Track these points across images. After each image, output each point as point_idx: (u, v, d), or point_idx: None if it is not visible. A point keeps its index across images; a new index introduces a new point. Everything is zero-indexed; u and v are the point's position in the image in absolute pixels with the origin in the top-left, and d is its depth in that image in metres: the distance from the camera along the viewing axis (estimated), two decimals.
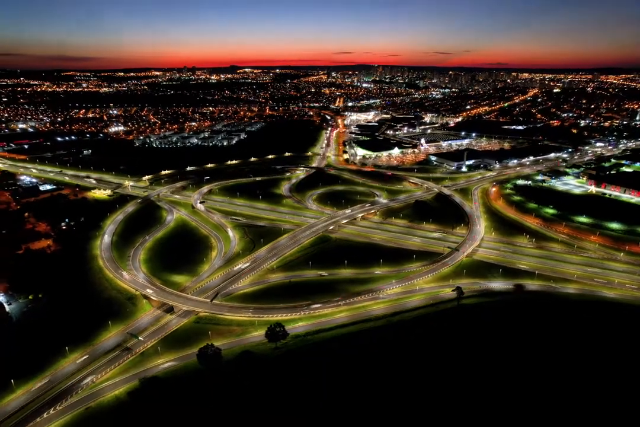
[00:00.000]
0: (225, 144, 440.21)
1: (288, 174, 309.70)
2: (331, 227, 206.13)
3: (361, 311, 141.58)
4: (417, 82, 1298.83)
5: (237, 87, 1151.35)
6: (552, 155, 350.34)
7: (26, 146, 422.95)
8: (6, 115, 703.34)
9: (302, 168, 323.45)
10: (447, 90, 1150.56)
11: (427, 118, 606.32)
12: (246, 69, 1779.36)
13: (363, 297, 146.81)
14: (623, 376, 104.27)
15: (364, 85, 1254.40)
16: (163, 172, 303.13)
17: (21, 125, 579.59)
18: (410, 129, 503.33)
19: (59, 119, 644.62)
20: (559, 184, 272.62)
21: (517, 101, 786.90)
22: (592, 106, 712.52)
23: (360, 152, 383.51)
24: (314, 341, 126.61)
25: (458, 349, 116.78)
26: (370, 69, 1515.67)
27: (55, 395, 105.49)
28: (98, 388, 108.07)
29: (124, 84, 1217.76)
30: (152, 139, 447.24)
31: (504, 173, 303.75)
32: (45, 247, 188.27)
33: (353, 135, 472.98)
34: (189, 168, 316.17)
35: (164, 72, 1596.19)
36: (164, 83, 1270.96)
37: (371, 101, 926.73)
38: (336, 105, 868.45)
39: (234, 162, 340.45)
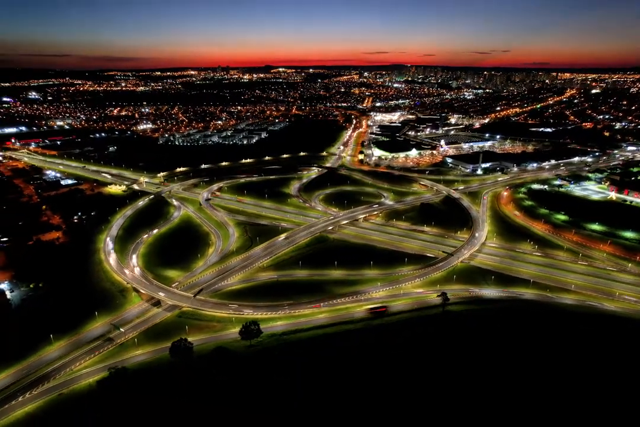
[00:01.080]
0: (245, 142, 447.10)
1: (300, 173, 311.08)
2: (330, 228, 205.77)
3: (342, 312, 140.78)
4: (450, 82, 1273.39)
5: (267, 87, 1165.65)
6: (576, 159, 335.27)
7: (59, 142, 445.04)
8: (48, 113, 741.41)
9: (314, 168, 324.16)
10: (480, 91, 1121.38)
11: (453, 119, 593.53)
12: (280, 69, 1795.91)
13: (346, 299, 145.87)
14: (613, 390, 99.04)
15: (395, 85, 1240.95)
16: (178, 170, 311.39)
17: (59, 123, 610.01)
18: (433, 130, 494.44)
19: (94, 117, 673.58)
20: (577, 190, 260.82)
21: (550, 102, 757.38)
22: (633, 108, 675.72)
23: (377, 152, 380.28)
24: (290, 340, 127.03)
25: (435, 356, 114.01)
26: (403, 69, 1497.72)
27: (34, 380, 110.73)
28: (74, 376, 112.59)
29: (160, 83, 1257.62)
30: (176, 137, 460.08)
31: (520, 177, 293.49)
32: (54, 239, 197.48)
33: (373, 136, 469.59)
34: (203, 166, 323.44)
35: (199, 71, 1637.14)
36: (198, 82, 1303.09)
37: (400, 101, 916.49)
38: (364, 105, 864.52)
39: (248, 160, 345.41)
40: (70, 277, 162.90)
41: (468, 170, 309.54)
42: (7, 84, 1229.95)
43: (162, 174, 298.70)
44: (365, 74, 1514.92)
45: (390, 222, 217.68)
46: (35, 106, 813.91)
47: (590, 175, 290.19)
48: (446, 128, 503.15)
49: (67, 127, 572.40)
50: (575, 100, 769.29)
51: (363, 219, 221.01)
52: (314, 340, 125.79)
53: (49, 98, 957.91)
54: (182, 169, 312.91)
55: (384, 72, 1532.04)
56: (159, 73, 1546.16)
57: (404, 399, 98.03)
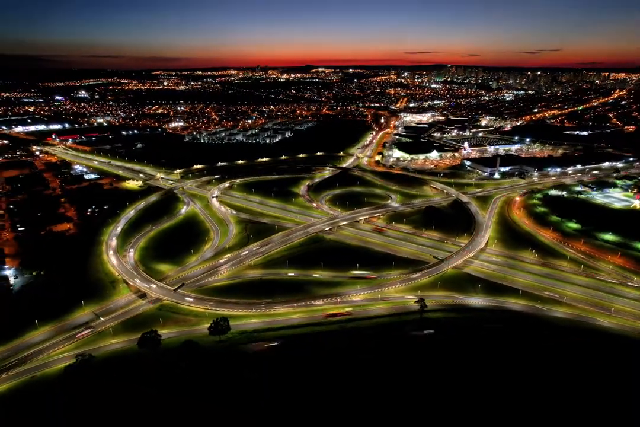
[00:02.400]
0: (268, 141, 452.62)
1: (313, 173, 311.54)
2: (327, 229, 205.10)
3: (317, 313, 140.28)
4: (490, 83, 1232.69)
5: (303, 87, 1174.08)
6: (606, 164, 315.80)
7: (93, 138, 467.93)
8: (92, 110, 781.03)
9: (328, 168, 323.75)
10: (521, 92, 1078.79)
11: (485, 121, 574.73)
12: (319, 69, 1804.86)
13: (323, 301, 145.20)
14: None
15: (433, 85, 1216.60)
16: (194, 167, 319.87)
17: (99, 120, 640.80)
18: (461, 132, 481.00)
19: (131, 114, 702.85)
20: (599, 197, 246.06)
21: (594, 104, 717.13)
22: None
23: (397, 154, 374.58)
24: (259, 338, 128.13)
25: (405, 362, 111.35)
26: (442, 69, 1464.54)
27: (13, 362, 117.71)
28: (49, 360, 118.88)
29: (200, 82, 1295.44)
30: (202, 135, 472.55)
31: (539, 182, 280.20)
32: (65, 230, 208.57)
33: (397, 137, 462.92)
34: (219, 164, 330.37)
35: (239, 71, 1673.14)
36: (236, 82, 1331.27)
37: (435, 102, 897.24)
38: (397, 105, 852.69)
39: (264, 159, 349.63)
40: (70, 267, 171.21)
41: (485, 173, 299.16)
42: (61, 84, 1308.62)
43: (178, 170, 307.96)
44: (405, 74, 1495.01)
45: (392, 225, 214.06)
46: (83, 104, 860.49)
47: (617, 181, 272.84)
48: (474, 130, 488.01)
49: (105, 124, 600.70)
50: (623, 102, 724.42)
51: (364, 220, 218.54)
52: (282, 339, 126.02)
53: (96, 97, 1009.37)
54: (198, 166, 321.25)
55: (423, 73, 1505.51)
56: (200, 72, 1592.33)
57: (366, 403, 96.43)
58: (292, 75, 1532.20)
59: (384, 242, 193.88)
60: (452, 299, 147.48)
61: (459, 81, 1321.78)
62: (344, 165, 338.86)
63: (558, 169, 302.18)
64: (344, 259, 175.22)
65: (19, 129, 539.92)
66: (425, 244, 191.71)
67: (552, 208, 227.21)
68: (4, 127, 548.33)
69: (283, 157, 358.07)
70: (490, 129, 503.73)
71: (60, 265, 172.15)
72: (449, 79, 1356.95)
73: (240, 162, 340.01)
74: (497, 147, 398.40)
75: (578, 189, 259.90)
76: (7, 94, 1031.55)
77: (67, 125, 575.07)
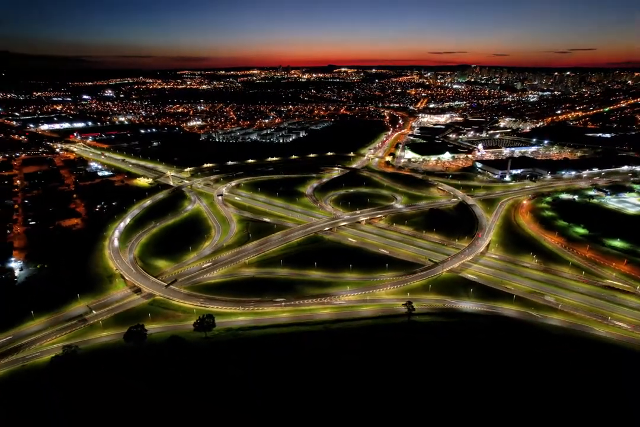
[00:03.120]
0: (281, 141, 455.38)
1: (322, 173, 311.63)
2: (327, 229, 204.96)
3: (305, 313, 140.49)
4: (514, 84, 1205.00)
5: (323, 87, 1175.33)
6: (625, 168, 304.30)
7: (113, 136, 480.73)
8: (115, 109, 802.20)
9: (337, 168, 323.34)
10: (547, 93, 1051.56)
11: (504, 122, 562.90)
12: (342, 69, 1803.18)
13: (312, 301, 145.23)
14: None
15: (455, 86, 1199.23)
16: (205, 165, 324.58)
17: (121, 118, 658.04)
18: (477, 134, 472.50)
19: (152, 113, 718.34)
20: (612, 202, 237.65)
21: (622, 105, 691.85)
22: None
23: (409, 155, 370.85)
24: (244, 336, 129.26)
25: (388, 364, 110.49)
26: (466, 70, 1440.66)
27: (7, 350, 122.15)
28: (40, 350, 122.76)
29: (222, 82, 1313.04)
30: (218, 133, 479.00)
31: (551, 185, 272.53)
32: (73, 225, 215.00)
33: (411, 138, 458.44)
34: (230, 162, 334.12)
35: (261, 70, 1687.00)
36: (258, 81, 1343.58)
37: (456, 103, 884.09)
38: (417, 106, 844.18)
39: (274, 159, 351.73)
40: (73, 261, 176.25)
41: (496, 176, 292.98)
42: (90, 83, 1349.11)
43: (188, 169, 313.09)
44: (428, 74, 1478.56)
45: (393, 226, 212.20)
46: (108, 103, 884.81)
47: (634, 186, 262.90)
48: (492, 131, 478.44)
49: (127, 122, 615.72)
50: None
51: (365, 221, 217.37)
52: (266, 338, 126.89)
53: (121, 96, 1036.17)
54: (208, 164, 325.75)
55: (447, 73, 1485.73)
56: (223, 72, 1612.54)
57: (344, 404, 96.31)
58: (314, 75, 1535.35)
59: (383, 244, 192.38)
60: (444, 302, 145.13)
61: (483, 82, 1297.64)
62: (354, 165, 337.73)
63: (573, 172, 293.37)
64: (339, 259, 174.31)
65: (45, 127, 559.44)
66: (425, 247, 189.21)
67: (561, 212, 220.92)
68: (31, 125, 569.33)
69: (293, 156, 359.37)
70: (508, 130, 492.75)
71: (64, 259, 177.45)
72: (472, 80, 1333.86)
73: (250, 161, 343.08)
74: (512, 149, 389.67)
75: (591, 193, 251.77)
76: (39, 94, 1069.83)
77: (90, 123, 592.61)
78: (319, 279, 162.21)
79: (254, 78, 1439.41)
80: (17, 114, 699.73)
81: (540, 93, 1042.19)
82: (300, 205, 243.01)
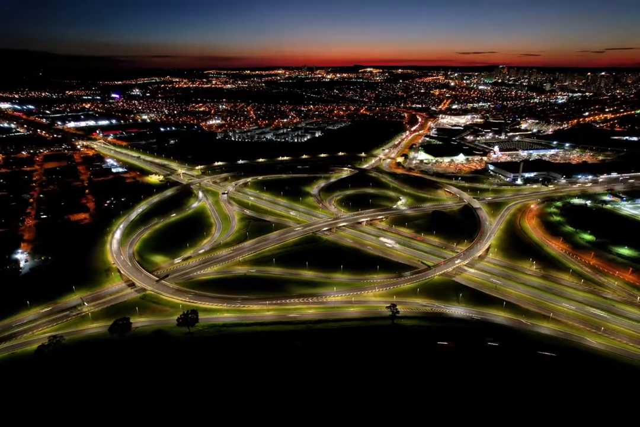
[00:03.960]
0: (295, 140, 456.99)
1: (330, 173, 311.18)
2: (325, 229, 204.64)
3: (290, 312, 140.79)
4: (543, 85, 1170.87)
5: (346, 87, 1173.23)
6: None
7: (133, 134, 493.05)
8: (140, 107, 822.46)
9: (346, 168, 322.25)
10: (577, 94, 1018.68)
11: (526, 124, 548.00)
12: (368, 69, 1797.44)
13: (298, 300, 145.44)
14: None
15: (481, 87, 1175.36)
16: (216, 163, 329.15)
17: (144, 116, 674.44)
18: (496, 136, 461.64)
19: (175, 111, 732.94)
20: (627, 207, 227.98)
21: None
22: None
23: (422, 156, 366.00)
24: (226, 332, 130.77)
25: (360, 366, 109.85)
26: (493, 70, 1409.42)
27: (1, 338, 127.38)
28: (31, 339, 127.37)
29: (246, 81, 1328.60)
30: (235, 132, 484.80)
31: (564, 189, 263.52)
32: (81, 220, 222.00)
33: (427, 139, 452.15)
34: (240, 161, 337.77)
35: (286, 70, 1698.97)
36: (282, 81, 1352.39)
37: (480, 104, 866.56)
38: (439, 107, 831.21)
39: (285, 158, 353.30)
40: (75, 254, 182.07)
41: (508, 179, 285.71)
42: (119, 82, 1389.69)
43: (199, 167, 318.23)
44: (455, 75, 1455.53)
45: (394, 228, 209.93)
46: (134, 102, 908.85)
47: None
48: (511, 133, 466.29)
49: (149, 120, 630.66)
50: None
51: (365, 222, 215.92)
52: (247, 335, 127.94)
53: (147, 94, 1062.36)
54: (219, 163, 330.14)
55: (474, 74, 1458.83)
56: (249, 71, 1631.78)
57: (313, 404, 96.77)
58: (338, 75, 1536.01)
59: (380, 245, 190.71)
60: (431, 307, 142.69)
61: (510, 83, 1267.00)
62: (364, 166, 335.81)
63: (590, 177, 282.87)
64: (334, 260, 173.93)
65: (72, 124, 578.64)
66: (423, 249, 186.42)
67: (570, 218, 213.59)
68: (59, 123, 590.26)
69: (304, 156, 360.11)
70: (529, 132, 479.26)
71: (68, 252, 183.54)
72: (499, 81, 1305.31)
73: (260, 160, 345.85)
74: (530, 152, 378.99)
75: (606, 198, 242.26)
76: (71, 92, 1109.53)
77: (114, 121, 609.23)
78: (310, 278, 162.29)
79: (278, 78, 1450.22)
80: (47, 111, 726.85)
81: (570, 94, 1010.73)
82: (303, 205, 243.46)
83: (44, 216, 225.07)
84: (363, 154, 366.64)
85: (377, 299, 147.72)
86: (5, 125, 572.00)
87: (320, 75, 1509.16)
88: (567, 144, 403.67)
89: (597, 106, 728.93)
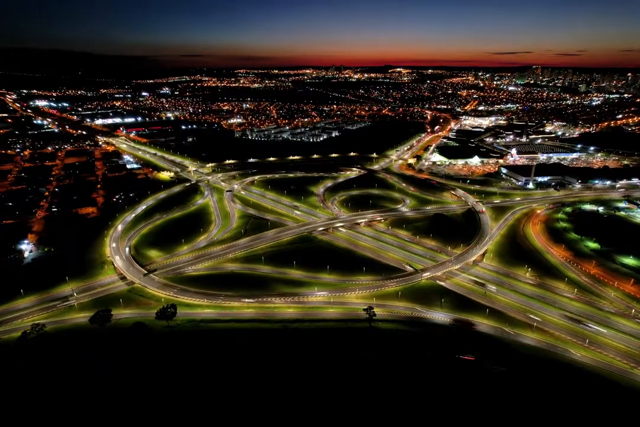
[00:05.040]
0: (311, 140, 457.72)
1: (339, 173, 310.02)
2: (321, 229, 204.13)
3: (270, 311, 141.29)
4: (579, 86, 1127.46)
5: (372, 87, 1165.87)
6: None
7: (155, 131, 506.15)
8: (167, 105, 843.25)
9: (355, 169, 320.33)
10: (615, 95, 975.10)
11: (552, 127, 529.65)
12: (398, 69, 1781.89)
13: (278, 299, 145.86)
14: None
15: (511, 88, 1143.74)
16: (227, 162, 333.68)
17: (168, 114, 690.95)
18: (517, 138, 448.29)
19: (199, 110, 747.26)
20: None
21: None
22: None
23: (435, 158, 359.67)
24: (204, 328, 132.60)
25: (330, 367, 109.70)
26: (526, 71, 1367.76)
27: None
28: (19, 326, 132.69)
29: (274, 81, 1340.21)
30: (253, 131, 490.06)
31: (577, 195, 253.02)
32: (88, 213, 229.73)
33: (445, 140, 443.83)
34: (251, 160, 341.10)
35: (315, 70, 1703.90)
36: (308, 80, 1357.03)
37: (508, 106, 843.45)
38: (464, 108, 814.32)
39: (295, 157, 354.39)
40: (76, 246, 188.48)
41: (520, 183, 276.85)
42: (151, 81, 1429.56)
43: (210, 164, 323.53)
44: (487, 75, 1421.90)
45: (392, 230, 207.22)
46: (162, 100, 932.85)
47: None
48: (533, 136, 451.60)
49: (172, 118, 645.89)
50: None
51: (364, 223, 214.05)
52: (223, 332, 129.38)
53: (176, 93, 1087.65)
54: (230, 161, 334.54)
55: (507, 74, 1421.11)
56: (277, 71, 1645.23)
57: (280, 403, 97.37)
58: (366, 75, 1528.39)
59: (374, 247, 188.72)
60: (412, 311, 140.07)
61: (543, 84, 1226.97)
62: (375, 167, 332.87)
63: (608, 182, 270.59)
64: (324, 260, 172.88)
65: (99, 121, 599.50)
66: (416, 253, 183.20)
67: (577, 224, 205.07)
68: (88, 120, 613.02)
69: (315, 156, 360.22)
70: (552, 135, 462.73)
71: (70, 244, 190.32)
72: (531, 82, 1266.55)
73: (271, 159, 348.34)
74: (550, 155, 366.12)
75: (621, 205, 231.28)
76: (104, 91, 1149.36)
77: (139, 118, 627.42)
78: (297, 278, 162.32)
79: (306, 77, 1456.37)
80: (79, 109, 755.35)
81: (607, 96, 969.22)
82: (306, 205, 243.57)
83: (55, 209, 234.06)
84: (375, 155, 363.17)
85: (358, 301, 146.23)
86: (39, 122, 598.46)
87: (347, 75, 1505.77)
88: (591, 148, 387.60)
89: (632, 108, 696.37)
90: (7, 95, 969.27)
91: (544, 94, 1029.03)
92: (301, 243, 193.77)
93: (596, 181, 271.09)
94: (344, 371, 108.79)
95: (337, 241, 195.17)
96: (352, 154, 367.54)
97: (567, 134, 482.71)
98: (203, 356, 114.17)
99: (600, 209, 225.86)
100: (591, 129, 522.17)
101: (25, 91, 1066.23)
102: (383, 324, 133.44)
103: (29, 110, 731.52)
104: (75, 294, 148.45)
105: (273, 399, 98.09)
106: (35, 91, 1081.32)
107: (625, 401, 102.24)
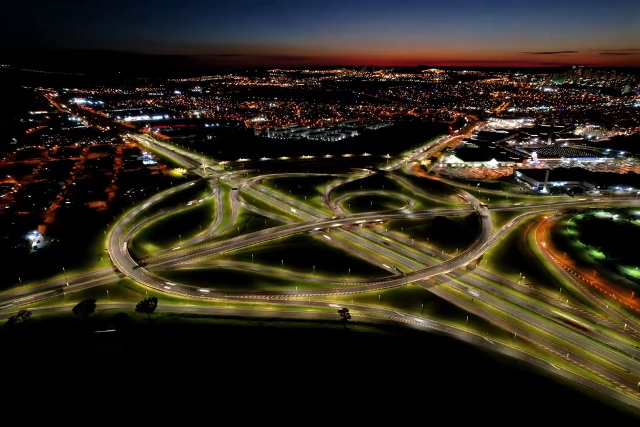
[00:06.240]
0: (329, 140, 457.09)
1: (349, 174, 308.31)
2: (317, 229, 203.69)
3: (248, 308, 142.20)
4: (621, 87, 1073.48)
5: (402, 87, 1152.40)
6: None
7: (179, 129, 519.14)
8: (196, 104, 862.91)
9: (366, 170, 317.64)
10: None
11: (582, 130, 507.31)
12: (431, 69, 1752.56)
13: (258, 296, 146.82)
14: None
15: (546, 89, 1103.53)
16: (240, 160, 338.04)
17: (195, 113, 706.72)
18: (542, 141, 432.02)
19: (226, 108, 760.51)
20: None
21: None
22: None
23: (451, 160, 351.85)
24: (183, 322, 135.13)
25: (297, 367, 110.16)
26: (564, 72, 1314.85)
27: None
28: (11, 312, 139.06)
29: (303, 80, 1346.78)
30: (273, 130, 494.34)
31: (592, 201, 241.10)
32: (98, 207, 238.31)
33: (465, 142, 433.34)
34: (263, 158, 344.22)
35: (346, 70, 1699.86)
36: (338, 80, 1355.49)
37: (541, 108, 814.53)
38: (494, 110, 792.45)
39: (308, 157, 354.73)
40: (80, 238, 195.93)
41: (534, 187, 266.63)
42: (184, 80, 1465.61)
43: (223, 162, 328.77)
44: (524, 76, 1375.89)
45: (390, 232, 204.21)
46: (192, 98, 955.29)
47: None
48: (559, 139, 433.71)
49: (198, 116, 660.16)
50: None
51: (364, 225, 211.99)
52: (200, 327, 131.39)
53: (207, 92, 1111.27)
54: (243, 159, 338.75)
55: (545, 75, 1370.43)
56: (307, 71, 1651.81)
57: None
58: (398, 75, 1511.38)
59: (368, 248, 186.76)
60: (390, 315, 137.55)
61: (583, 85, 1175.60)
62: (387, 168, 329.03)
63: (630, 189, 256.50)
64: (315, 260, 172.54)
65: (129, 119, 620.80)
66: (411, 256, 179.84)
67: (584, 232, 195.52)
68: (118, 117, 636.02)
69: (327, 155, 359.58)
70: (581, 139, 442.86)
71: (75, 235, 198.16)
72: (570, 82, 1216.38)
73: (283, 158, 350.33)
74: (574, 159, 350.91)
75: (638, 213, 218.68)
76: (140, 89, 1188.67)
77: (167, 116, 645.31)
78: (283, 277, 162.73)
79: (336, 77, 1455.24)
80: (113, 107, 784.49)
81: None
82: (309, 204, 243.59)
83: (67, 202, 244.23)
84: (388, 156, 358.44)
85: (339, 302, 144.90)
86: (73, 118, 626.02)
87: (378, 75, 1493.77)
88: (621, 152, 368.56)
89: None
90: (50, 93, 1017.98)
91: (582, 95, 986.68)
92: (295, 242, 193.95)
93: (617, 187, 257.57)
94: (314, 370, 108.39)
95: (332, 242, 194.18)
96: (366, 154, 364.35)
97: (597, 138, 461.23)
98: (179, 350, 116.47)
99: (615, 216, 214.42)
100: (626, 132, 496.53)
101: (67, 89, 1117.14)
102: (359, 326, 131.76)
103: (68, 108, 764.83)
104: (67, 284, 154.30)
105: (243, 397, 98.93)
106: (75, 89, 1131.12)
107: (603, 420, 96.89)
